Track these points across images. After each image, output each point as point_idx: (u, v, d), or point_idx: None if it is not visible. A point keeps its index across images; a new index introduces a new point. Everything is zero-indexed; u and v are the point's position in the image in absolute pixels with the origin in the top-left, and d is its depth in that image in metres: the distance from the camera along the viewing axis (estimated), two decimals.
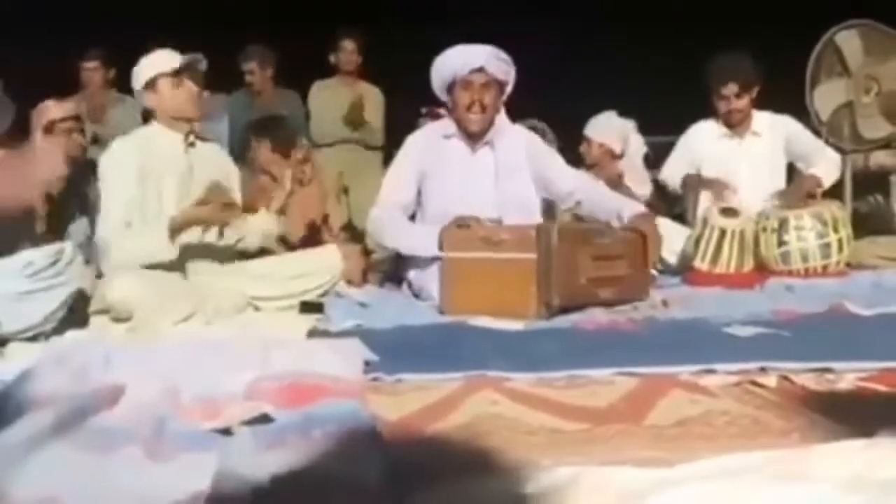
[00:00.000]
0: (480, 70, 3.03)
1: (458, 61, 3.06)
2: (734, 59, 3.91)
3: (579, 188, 3.25)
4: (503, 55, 3.07)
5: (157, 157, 2.86)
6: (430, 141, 3.20)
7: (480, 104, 3.05)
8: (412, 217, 3.18)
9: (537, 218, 3.14)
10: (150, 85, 2.89)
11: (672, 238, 3.58)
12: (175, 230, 2.70)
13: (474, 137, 3.14)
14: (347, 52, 4.85)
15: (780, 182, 3.97)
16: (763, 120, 4.00)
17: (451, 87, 3.11)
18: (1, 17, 4.81)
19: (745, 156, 3.95)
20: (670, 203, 4.34)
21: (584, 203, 3.23)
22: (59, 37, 4.91)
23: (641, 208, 3.21)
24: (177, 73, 2.87)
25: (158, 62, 2.88)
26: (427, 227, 2.94)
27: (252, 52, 4.84)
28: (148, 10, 5.48)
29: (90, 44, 4.69)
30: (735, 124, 3.96)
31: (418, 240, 2.94)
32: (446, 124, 3.21)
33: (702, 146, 4.05)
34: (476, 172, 3.13)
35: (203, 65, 2.95)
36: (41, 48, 4.67)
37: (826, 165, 3.91)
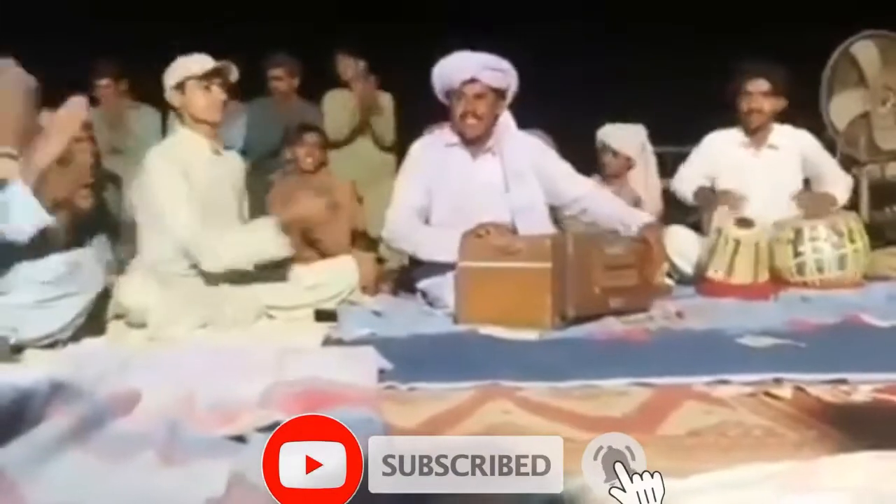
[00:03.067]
0: (473, 81, 3.03)
1: (450, 72, 3.08)
2: (769, 63, 3.84)
3: (586, 195, 3.24)
4: (497, 63, 3.05)
5: (185, 161, 2.89)
6: (434, 148, 3.21)
7: (474, 114, 3.06)
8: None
9: (547, 223, 3.13)
10: (180, 86, 2.94)
11: (688, 247, 3.58)
12: (282, 229, 2.79)
13: (474, 145, 3.14)
14: (346, 62, 4.83)
15: None
16: (781, 134, 3.91)
17: (449, 95, 3.13)
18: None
19: (761, 168, 3.85)
20: (684, 212, 4.32)
21: (589, 210, 3.21)
22: (80, 41, 4.94)
23: (648, 217, 3.20)
24: (206, 77, 2.91)
25: (190, 65, 2.93)
26: (445, 232, 2.92)
27: (280, 60, 4.87)
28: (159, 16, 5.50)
29: (109, 51, 4.74)
30: (754, 127, 3.82)
31: (437, 244, 2.94)
32: (449, 133, 3.21)
33: (718, 155, 3.95)
34: (477, 180, 3.13)
35: (234, 74, 2.98)
36: (63, 53, 4.69)
37: (842, 187, 3.89)
